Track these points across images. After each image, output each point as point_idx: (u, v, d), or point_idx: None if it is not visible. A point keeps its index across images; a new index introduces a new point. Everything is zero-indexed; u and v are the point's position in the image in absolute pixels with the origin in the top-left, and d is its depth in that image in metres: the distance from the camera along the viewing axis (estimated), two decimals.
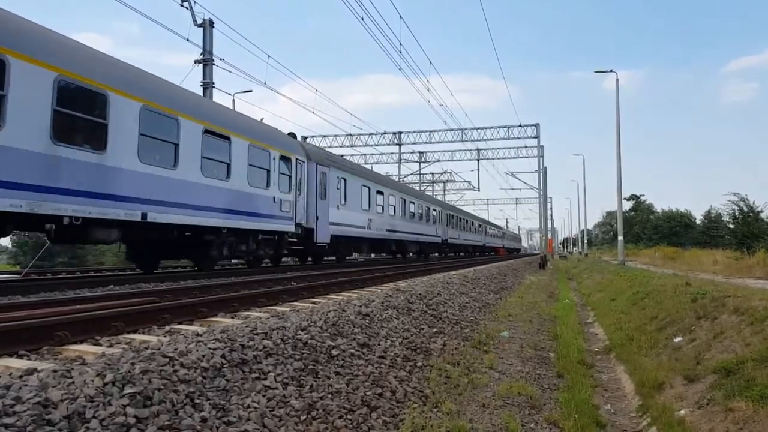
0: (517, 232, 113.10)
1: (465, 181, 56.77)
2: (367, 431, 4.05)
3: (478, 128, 37.48)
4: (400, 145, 39.39)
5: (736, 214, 30.28)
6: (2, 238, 9.39)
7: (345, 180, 19.22)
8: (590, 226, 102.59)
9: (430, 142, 38.98)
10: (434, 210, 33.46)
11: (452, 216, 38.40)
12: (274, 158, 14.24)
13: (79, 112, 8.61)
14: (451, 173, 55.89)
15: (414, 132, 38.72)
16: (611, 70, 29.45)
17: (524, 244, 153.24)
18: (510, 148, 41.54)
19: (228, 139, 12.33)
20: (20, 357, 4.11)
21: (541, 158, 37.92)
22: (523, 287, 18.89)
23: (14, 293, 7.63)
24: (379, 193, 22.95)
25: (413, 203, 28.41)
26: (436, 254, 37.58)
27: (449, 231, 36.85)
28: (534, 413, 5.41)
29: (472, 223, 48.73)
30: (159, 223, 10.16)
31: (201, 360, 3.85)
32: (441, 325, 8.16)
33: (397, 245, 26.19)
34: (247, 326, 4.96)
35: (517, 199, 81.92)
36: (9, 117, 7.40)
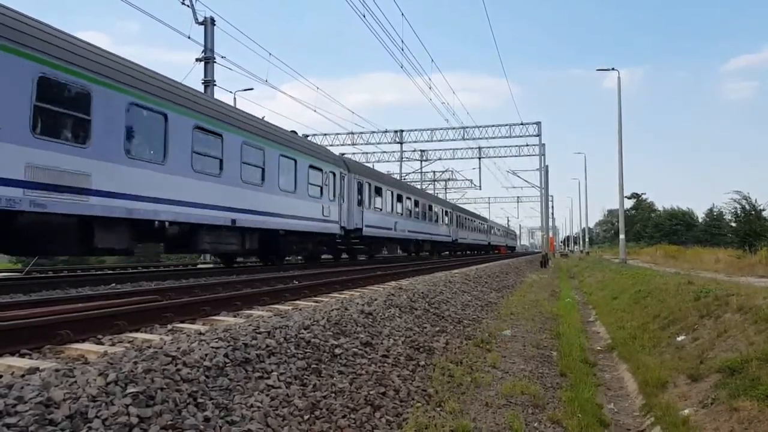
0: (509, 227, 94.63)
1: (467, 180, 56.73)
2: (370, 431, 4.03)
3: (480, 126, 37.53)
4: (401, 143, 39.43)
5: (739, 212, 30.25)
6: None
7: None
8: (591, 225, 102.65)
9: (432, 141, 39.01)
10: (327, 173, 17.42)
11: (378, 189, 22.38)
12: None
13: None
14: (452, 172, 55.79)
15: (415, 130, 38.78)
16: (613, 69, 29.30)
17: (525, 242, 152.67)
18: (511, 146, 41.50)
19: None
20: (22, 356, 4.09)
21: (542, 156, 37.89)
22: (525, 286, 18.87)
23: (16, 292, 7.62)
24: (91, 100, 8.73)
25: (259, 150, 13.59)
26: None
27: (367, 215, 20.79)
28: (537, 412, 5.39)
29: (429, 207, 30.94)
30: None
31: (204, 359, 3.83)
32: (443, 323, 8.14)
33: (188, 235, 11.68)
34: (249, 325, 4.95)
35: (518, 197, 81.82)
36: None
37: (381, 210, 22.73)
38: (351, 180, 19.71)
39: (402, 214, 25.75)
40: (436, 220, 32.87)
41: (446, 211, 35.97)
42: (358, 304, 6.98)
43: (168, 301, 6.57)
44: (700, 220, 66.08)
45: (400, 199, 25.64)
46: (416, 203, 28.72)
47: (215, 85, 19.89)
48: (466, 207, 54.86)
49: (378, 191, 22.57)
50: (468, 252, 48.64)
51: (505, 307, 12.14)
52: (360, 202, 20.31)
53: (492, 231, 60.06)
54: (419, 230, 29.01)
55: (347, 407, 4.14)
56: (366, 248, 22.25)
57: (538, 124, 36.66)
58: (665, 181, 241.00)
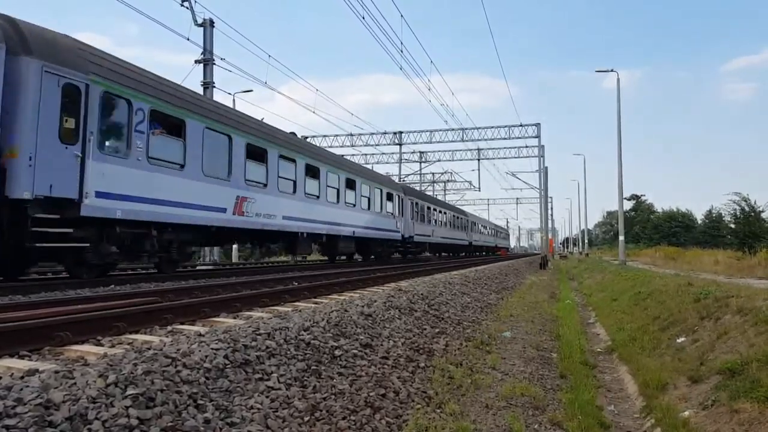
0: (499, 225, 79.38)
1: (466, 181, 56.71)
2: None
3: (479, 128, 37.56)
4: (400, 144, 39.43)
5: (738, 213, 30.32)
6: None
7: None
8: (591, 226, 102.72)
9: (431, 142, 39.05)
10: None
11: (173, 124, 11.22)
12: None
13: None
14: (451, 173, 55.73)
15: (414, 132, 38.79)
16: (612, 70, 29.33)
17: (524, 243, 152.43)
18: (511, 147, 41.61)
19: None
20: (21, 357, 4.08)
21: (541, 158, 37.94)
22: (525, 287, 18.87)
23: (15, 293, 7.61)
24: None
25: None
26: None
27: (101, 170, 9.19)
28: (537, 414, 5.38)
29: (350, 182, 19.84)
30: None
31: (204, 360, 3.82)
32: (443, 325, 8.13)
33: None
34: (249, 326, 4.94)
35: (517, 199, 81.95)
36: None
37: (182, 168, 11.20)
38: (41, 81, 8.34)
39: (266, 186, 14.12)
40: (369, 207, 21.23)
41: (390, 194, 24.01)
42: (357, 305, 6.97)
43: (168, 302, 6.57)
44: (700, 222, 66.23)
45: (258, 156, 13.88)
46: (312, 171, 16.64)
47: (214, 86, 19.91)
48: (466, 209, 54.10)
49: (172, 127, 11.26)
50: (442, 254, 39.08)
51: (505, 308, 12.13)
52: (75, 137, 8.85)
53: (475, 228, 47.53)
54: (324, 219, 17.30)
55: (347, 409, 4.14)
56: (89, 247, 9.39)
57: (538, 125, 36.71)
58: (664, 183, 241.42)
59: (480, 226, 51.98)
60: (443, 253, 39.77)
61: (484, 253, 52.54)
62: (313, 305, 7.45)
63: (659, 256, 32.33)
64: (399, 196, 25.67)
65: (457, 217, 40.39)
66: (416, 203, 28.51)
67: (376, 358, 5.42)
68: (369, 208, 21.47)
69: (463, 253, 43.91)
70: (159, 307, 5.99)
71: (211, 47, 19.60)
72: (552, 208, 75.67)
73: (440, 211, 34.68)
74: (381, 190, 23.07)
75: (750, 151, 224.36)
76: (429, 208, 31.32)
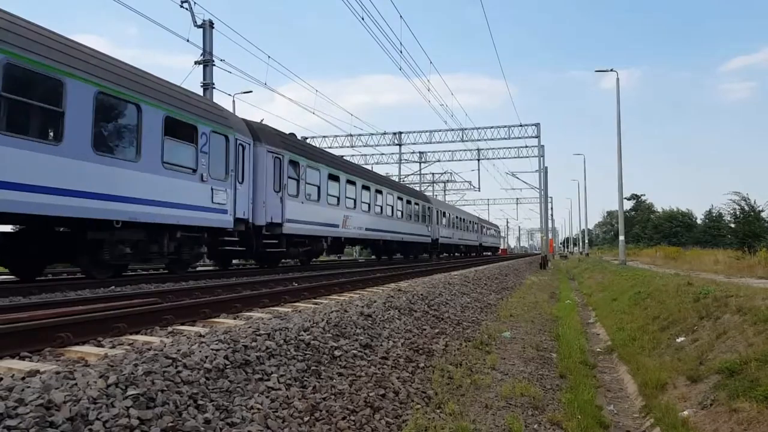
0: (489, 220, 67.69)
1: (465, 181, 56.73)
2: None
3: (479, 128, 37.60)
4: (400, 145, 39.46)
5: (738, 213, 30.30)
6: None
7: None
8: (591, 226, 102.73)
9: (431, 143, 39.08)
10: None
11: None
12: None
13: None
14: (451, 173, 55.69)
15: (414, 132, 38.82)
16: (612, 70, 29.35)
17: (524, 243, 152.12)
18: (510, 147, 41.65)
19: None
20: (22, 358, 4.10)
21: (541, 158, 37.96)
22: (525, 287, 18.88)
23: (15, 294, 7.62)
24: None
25: None
26: None
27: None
28: (537, 414, 5.40)
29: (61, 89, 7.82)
30: None
31: (204, 361, 3.84)
32: (443, 325, 8.14)
33: None
34: (249, 327, 4.96)
35: (517, 199, 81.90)
36: None
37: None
38: None
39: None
40: (102, 146, 9.11)
41: (191, 128, 11.41)
42: (357, 306, 6.98)
43: (168, 303, 6.58)
44: (700, 222, 66.28)
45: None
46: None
47: (214, 87, 19.92)
48: (465, 209, 53.50)
49: None
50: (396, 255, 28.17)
51: (505, 308, 12.14)
52: None
53: (443, 220, 35.32)
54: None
55: (347, 409, 4.15)
56: None
57: (537, 125, 36.73)
58: (664, 183, 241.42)
59: (453, 217, 39.25)
60: (398, 255, 28.83)
61: (463, 255, 43.07)
62: (312, 306, 7.46)
63: (659, 256, 32.34)
64: (234, 141, 12.92)
65: (410, 202, 27.54)
66: (294, 163, 15.76)
67: (376, 359, 5.43)
68: (99, 148, 9.16)
69: (425, 255, 32.73)
70: (159, 308, 6.01)
71: (211, 48, 19.62)
72: (552, 208, 75.64)
73: (368, 188, 21.63)
74: (153, 113, 10.31)
75: (750, 151, 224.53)
76: (337, 178, 18.80)
